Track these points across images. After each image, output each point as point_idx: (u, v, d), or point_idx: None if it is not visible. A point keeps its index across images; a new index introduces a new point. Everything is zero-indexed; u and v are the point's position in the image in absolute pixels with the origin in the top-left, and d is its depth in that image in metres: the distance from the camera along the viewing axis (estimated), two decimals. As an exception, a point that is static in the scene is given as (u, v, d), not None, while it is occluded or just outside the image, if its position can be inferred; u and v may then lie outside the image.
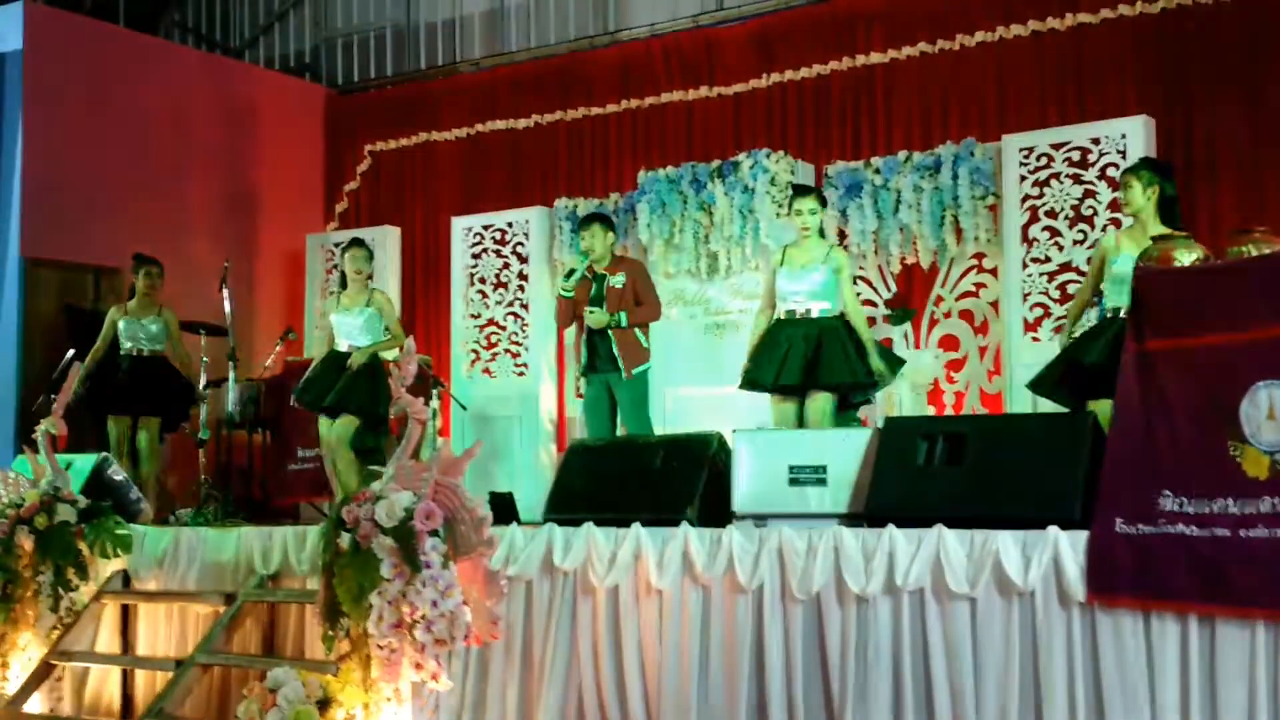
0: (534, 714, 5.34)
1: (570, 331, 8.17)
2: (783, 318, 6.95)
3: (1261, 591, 3.95)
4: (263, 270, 11.09)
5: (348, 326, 8.00)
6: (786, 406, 6.91)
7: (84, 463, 7.20)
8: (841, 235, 8.63)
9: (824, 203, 7.18)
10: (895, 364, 7.13)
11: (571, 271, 7.67)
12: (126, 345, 8.63)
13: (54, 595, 6.47)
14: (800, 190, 7.25)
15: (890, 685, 4.60)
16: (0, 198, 9.58)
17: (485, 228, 9.97)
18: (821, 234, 7.12)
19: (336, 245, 10.57)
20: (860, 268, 8.47)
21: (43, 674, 6.46)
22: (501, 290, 9.84)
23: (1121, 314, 5.71)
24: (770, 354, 6.88)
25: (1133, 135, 7.68)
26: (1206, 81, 7.99)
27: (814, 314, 6.88)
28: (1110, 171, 7.69)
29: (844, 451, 5.10)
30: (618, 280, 7.64)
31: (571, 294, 7.64)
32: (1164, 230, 6.02)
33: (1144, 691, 4.17)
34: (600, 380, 7.67)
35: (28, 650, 6.50)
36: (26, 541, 6.49)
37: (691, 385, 8.92)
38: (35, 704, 6.44)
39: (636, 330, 7.65)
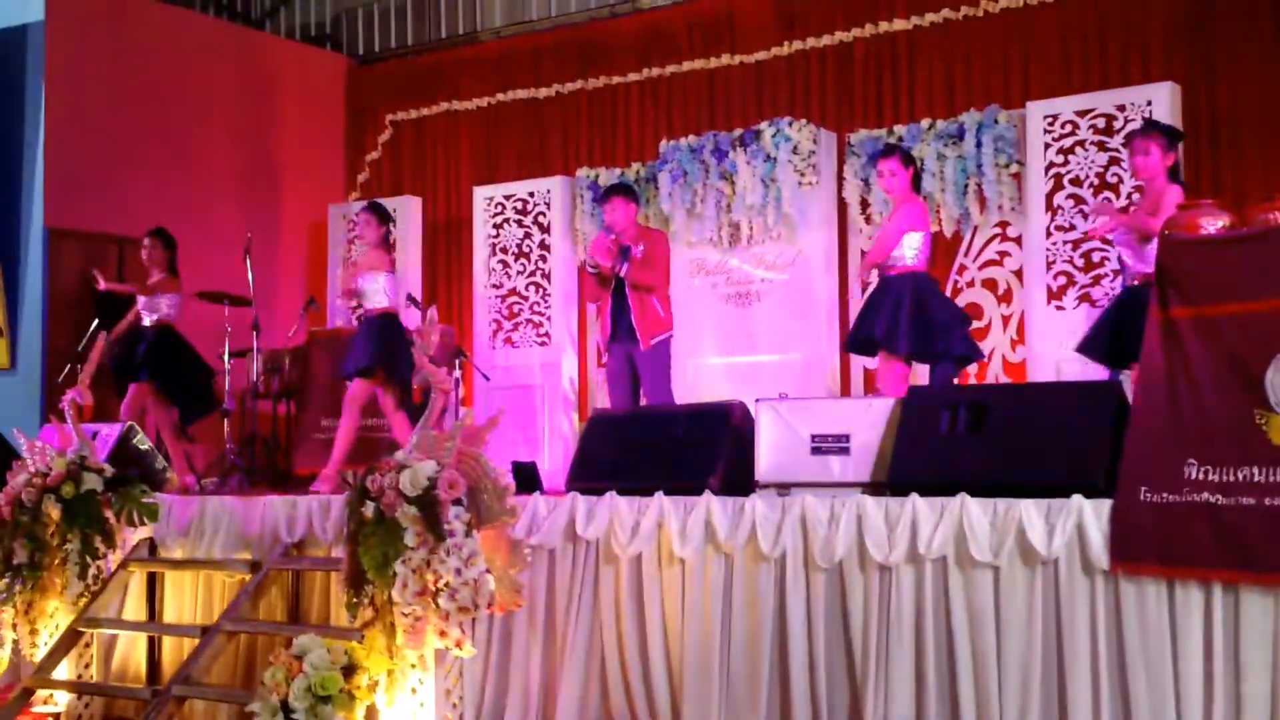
0: (557, 682, 5.37)
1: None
2: (892, 276, 6.72)
3: (1286, 560, 3.95)
4: (285, 241, 11.10)
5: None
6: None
7: (110, 432, 7.25)
8: (864, 204, 8.60)
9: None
10: None
11: (625, 249, 7.64)
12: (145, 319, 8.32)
13: (81, 563, 6.51)
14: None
15: (913, 654, 4.61)
16: (24, 168, 9.60)
17: (507, 198, 9.97)
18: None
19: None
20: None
21: (70, 641, 6.53)
22: (523, 260, 9.84)
23: None
24: (888, 313, 6.66)
25: (1158, 102, 7.61)
26: (1232, 47, 7.91)
27: (904, 272, 6.70)
28: (1135, 139, 7.62)
29: (867, 420, 5.10)
30: (639, 250, 7.67)
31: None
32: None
33: (1168, 660, 4.17)
34: (622, 350, 7.69)
35: (55, 618, 6.56)
36: (54, 510, 6.54)
37: (713, 355, 8.92)
38: (63, 670, 6.51)
39: (655, 301, 7.66)
